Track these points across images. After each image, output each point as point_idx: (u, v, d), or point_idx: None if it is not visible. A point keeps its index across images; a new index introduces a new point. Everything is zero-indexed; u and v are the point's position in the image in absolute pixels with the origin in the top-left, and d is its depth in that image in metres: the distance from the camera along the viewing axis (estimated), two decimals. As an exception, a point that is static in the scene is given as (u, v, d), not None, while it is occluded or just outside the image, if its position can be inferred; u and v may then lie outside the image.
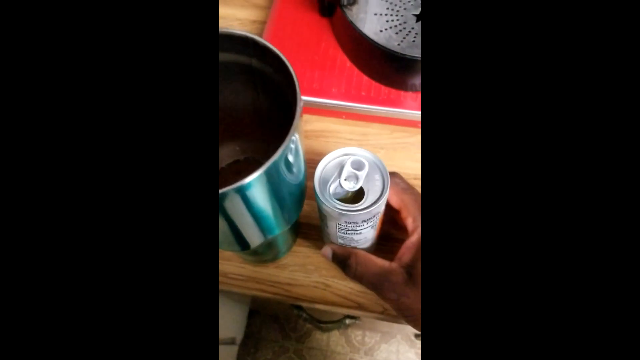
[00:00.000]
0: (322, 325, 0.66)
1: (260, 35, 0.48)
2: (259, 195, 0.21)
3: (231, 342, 0.96)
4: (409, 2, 0.40)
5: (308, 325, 1.02)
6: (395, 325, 0.85)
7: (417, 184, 0.39)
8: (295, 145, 0.21)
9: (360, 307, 0.36)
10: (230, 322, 0.94)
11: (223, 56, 0.23)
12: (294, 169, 0.23)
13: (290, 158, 0.21)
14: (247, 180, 0.19)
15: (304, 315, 0.63)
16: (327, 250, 0.31)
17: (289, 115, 0.24)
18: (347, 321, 0.59)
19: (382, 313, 0.36)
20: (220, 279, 0.38)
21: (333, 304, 0.36)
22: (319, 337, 1.02)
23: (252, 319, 1.05)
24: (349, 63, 0.42)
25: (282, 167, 0.21)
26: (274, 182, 0.21)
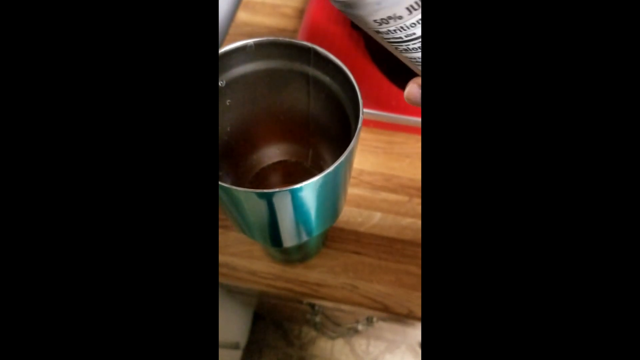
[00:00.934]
0: (330, 332, 0.67)
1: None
2: (309, 199, 0.22)
3: (235, 346, 0.96)
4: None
5: (313, 333, 1.02)
6: (400, 334, 0.86)
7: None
8: (352, 153, 0.22)
9: (386, 308, 0.37)
10: (235, 327, 0.94)
11: (281, 63, 0.25)
12: (347, 176, 0.24)
13: (347, 166, 0.23)
14: (308, 182, 0.20)
15: (316, 319, 0.63)
16: (411, 88, 0.21)
17: (342, 122, 0.25)
18: (360, 327, 0.60)
19: (407, 315, 0.37)
20: (250, 277, 0.39)
21: (360, 304, 0.38)
22: (323, 345, 1.02)
23: (257, 325, 1.05)
24: (379, 73, 0.44)
25: (339, 173, 0.22)
26: (327, 188, 0.22)
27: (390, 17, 0.16)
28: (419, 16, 0.16)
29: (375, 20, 0.16)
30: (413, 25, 0.16)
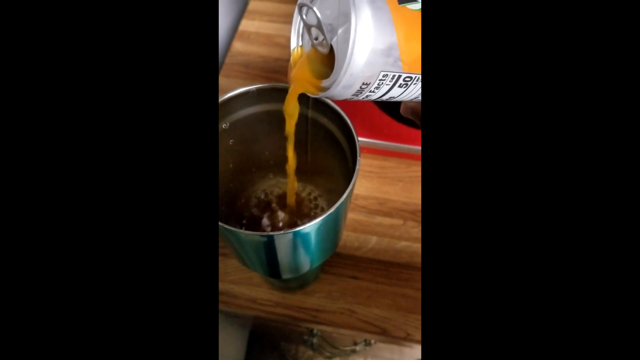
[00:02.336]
0: (328, 352, 0.67)
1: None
2: (309, 238, 0.23)
3: (232, 368, 0.95)
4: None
5: (309, 353, 1.02)
6: (397, 353, 0.86)
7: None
8: (350, 194, 0.24)
9: (384, 332, 0.38)
10: (232, 349, 0.93)
11: (281, 106, 0.26)
12: (346, 213, 0.26)
13: (346, 205, 0.24)
14: (309, 224, 0.21)
15: (314, 340, 0.64)
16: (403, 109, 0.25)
17: (338, 155, 0.27)
18: (358, 348, 0.61)
19: (404, 338, 0.38)
20: (249, 304, 0.40)
21: (359, 329, 0.38)
22: (320, 364, 1.01)
23: (253, 345, 1.05)
24: (371, 104, 0.46)
25: (339, 213, 0.23)
26: (327, 227, 0.24)
27: (359, 89, 0.17)
28: (380, 80, 0.17)
29: (352, 95, 0.18)
30: (377, 88, 0.18)
